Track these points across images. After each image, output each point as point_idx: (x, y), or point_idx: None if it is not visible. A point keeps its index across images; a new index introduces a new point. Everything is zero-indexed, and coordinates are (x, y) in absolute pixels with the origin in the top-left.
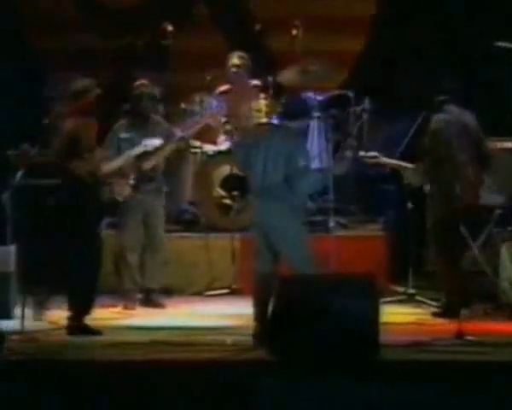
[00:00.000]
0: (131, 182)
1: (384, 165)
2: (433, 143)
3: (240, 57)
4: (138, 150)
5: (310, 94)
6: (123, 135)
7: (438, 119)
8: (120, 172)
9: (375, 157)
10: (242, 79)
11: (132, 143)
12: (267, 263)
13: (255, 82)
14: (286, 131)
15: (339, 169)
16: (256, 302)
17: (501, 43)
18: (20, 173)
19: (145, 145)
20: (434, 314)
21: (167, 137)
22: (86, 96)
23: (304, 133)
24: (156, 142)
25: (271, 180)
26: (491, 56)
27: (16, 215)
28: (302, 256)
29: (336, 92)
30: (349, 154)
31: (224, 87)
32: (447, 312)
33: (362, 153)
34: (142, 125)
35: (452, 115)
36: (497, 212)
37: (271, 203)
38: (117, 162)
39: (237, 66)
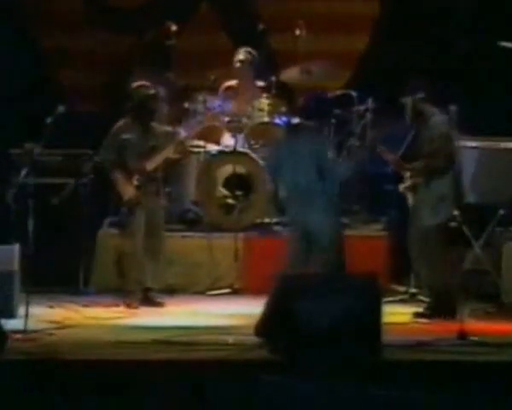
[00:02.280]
0: (136, 182)
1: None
2: (444, 145)
3: (246, 52)
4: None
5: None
6: (126, 136)
7: (442, 121)
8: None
9: (380, 148)
10: (247, 76)
11: (135, 144)
12: (298, 265)
13: (259, 83)
14: (306, 129)
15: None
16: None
17: (503, 44)
18: (23, 172)
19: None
20: (417, 315)
21: (169, 138)
22: None
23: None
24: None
25: (305, 180)
26: (494, 56)
27: (20, 214)
28: (335, 256)
29: (339, 92)
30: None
31: (229, 83)
32: (433, 313)
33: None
34: (145, 127)
35: (442, 115)
36: (500, 212)
37: (309, 203)
38: (161, 157)
39: (241, 61)
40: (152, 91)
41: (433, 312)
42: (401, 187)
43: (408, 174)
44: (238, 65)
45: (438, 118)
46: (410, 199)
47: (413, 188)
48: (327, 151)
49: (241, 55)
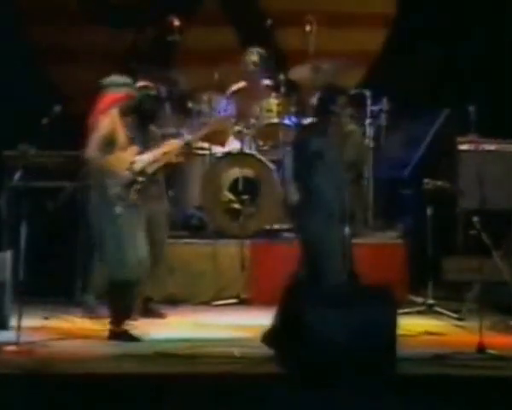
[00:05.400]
0: (137, 186)
1: None
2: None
3: (258, 53)
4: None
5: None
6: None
7: (358, 132)
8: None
9: None
10: (257, 78)
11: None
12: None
13: (267, 82)
14: (311, 129)
15: None
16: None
17: None
18: (17, 175)
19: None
20: None
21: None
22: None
23: None
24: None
25: (311, 184)
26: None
27: (13, 219)
28: (331, 266)
29: (352, 91)
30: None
31: (236, 86)
32: None
33: None
34: (144, 128)
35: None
36: None
37: (311, 211)
38: (148, 157)
39: (255, 63)
40: (153, 93)
41: None
42: None
43: None
44: (251, 67)
45: (352, 128)
46: None
47: None
48: (327, 152)
49: (253, 56)
